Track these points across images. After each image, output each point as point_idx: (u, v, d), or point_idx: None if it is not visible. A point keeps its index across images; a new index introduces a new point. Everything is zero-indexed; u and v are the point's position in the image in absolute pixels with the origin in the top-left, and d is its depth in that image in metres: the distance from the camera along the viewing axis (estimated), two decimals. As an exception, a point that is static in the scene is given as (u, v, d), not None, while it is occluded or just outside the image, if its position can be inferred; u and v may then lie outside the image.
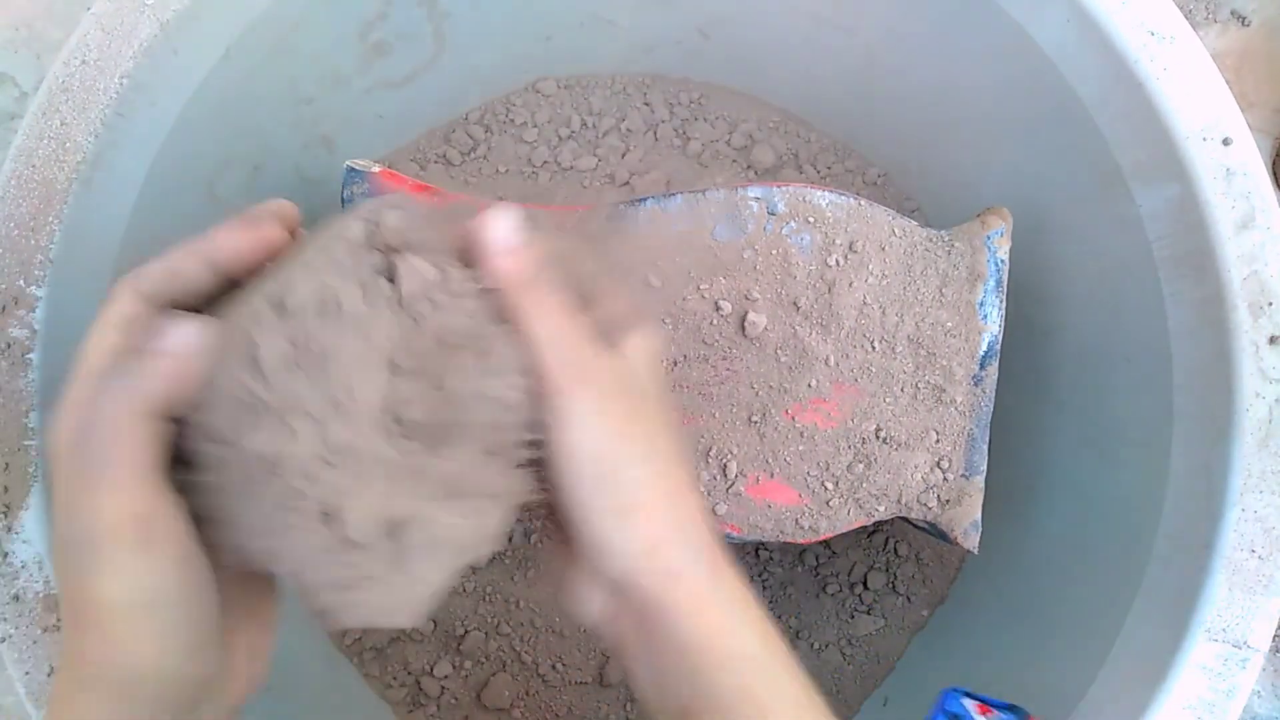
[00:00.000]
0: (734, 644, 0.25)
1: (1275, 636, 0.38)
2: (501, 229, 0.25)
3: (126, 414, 0.21)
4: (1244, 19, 0.67)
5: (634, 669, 0.26)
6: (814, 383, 0.42)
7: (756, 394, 0.42)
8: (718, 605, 0.25)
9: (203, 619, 0.23)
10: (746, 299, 0.41)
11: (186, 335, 0.22)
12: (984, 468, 0.43)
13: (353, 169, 0.42)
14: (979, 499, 0.43)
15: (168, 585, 0.22)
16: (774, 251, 0.41)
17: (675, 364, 0.42)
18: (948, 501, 0.42)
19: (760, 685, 0.25)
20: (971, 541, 0.42)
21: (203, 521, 0.23)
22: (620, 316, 0.27)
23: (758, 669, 0.26)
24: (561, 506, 0.25)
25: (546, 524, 0.28)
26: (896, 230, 0.43)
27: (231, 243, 0.24)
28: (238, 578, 0.25)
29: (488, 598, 0.53)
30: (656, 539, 0.25)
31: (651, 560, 0.25)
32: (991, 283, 0.43)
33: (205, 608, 0.23)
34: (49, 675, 0.35)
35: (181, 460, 0.23)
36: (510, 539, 0.54)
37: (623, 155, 0.58)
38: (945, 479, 0.42)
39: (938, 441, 0.42)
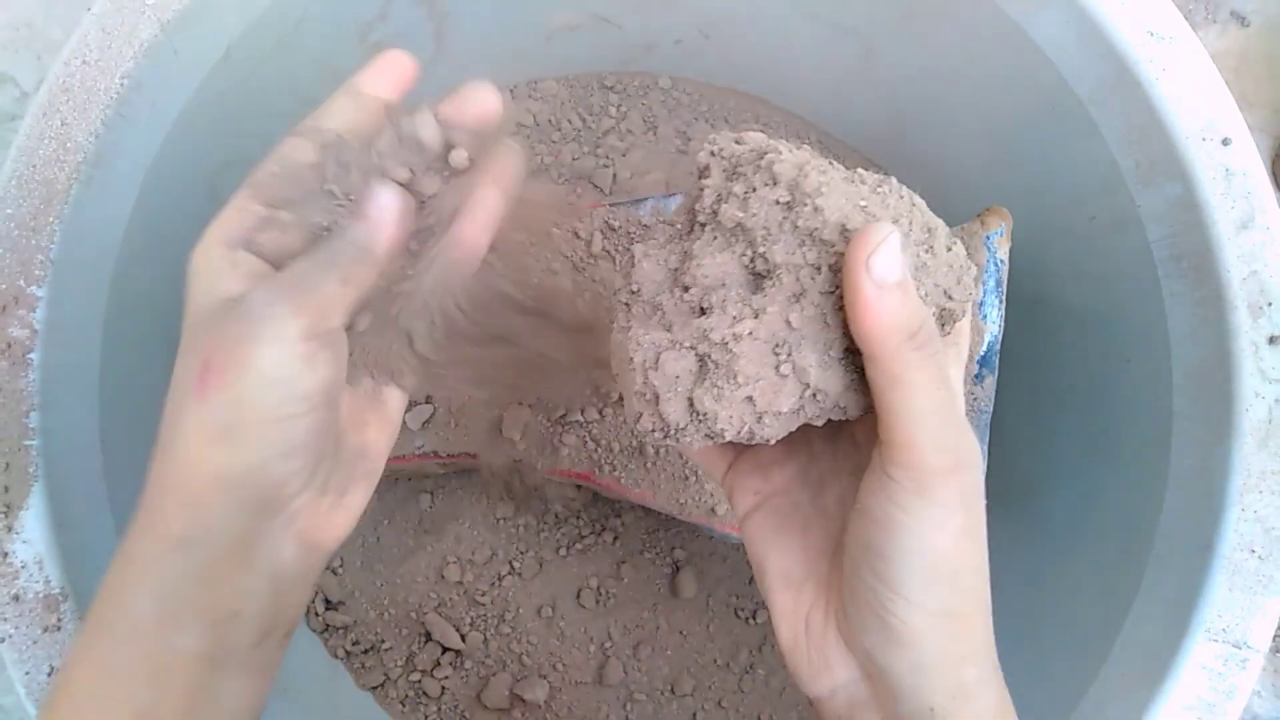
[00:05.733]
0: None
1: (1275, 637, 0.38)
2: (886, 255, 0.20)
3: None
4: (1243, 19, 0.67)
5: None
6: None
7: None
8: None
9: (323, 431, 0.24)
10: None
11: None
12: (984, 468, 0.43)
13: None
14: (979, 499, 0.42)
15: (315, 384, 0.23)
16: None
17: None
18: (948, 501, 0.42)
19: None
20: (971, 541, 0.42)
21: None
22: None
23: None
24: (846, 572, 0.23)
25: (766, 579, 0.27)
26: (896, 230, 0.43)
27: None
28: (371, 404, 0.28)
29: (488, 598, 0.53)
30: (968, 652, 0.23)
31: (955, 671, 0.23)
32: (991, 283, 0.43)
33: (327, 423, 0.24)
34: (49, 675, 0.35)
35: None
36: (509, 539, 0.54)
37: (623, 155, 0.58)
38: (945, 479, 0.42)
39: (938, 441, 0.42)
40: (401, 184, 0.25)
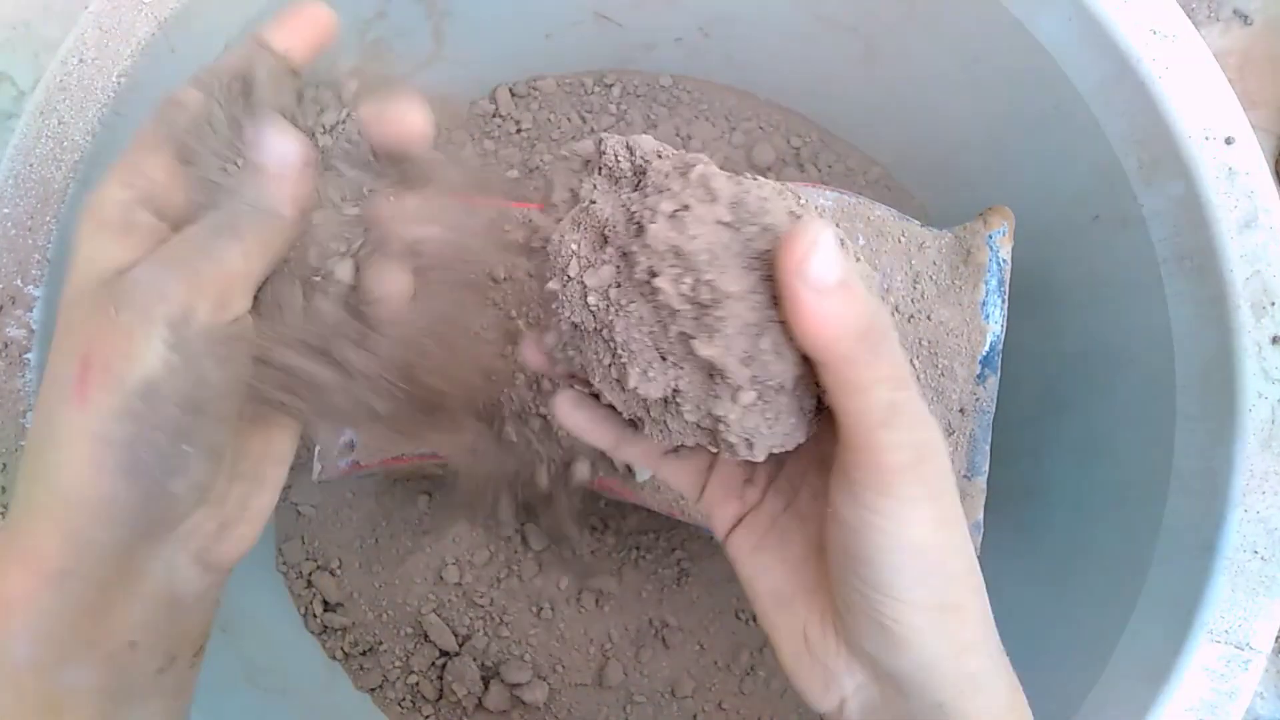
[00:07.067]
0: None
1: (1278, 638, 0.38)
2: (821, 257, 0.19)
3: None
4: (1246, 18, 0.67)
5: None
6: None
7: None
8: None
9: (222, 440, 0.21)
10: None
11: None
12: (986, 469, 0.43)
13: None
14: (981, 500, 0.42)
15: (215, 386, 0.20)
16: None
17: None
18: (949, 502, 0.42)
19: None
20: (974, 543, 0.42)
21: None
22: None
23: None
24: (834, 579, 0.23)
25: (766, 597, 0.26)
26: (898, 229, 0.43)
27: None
28: (261, 420, 0.24)
29: (487, 599, 0.53)
30: (969, 641, 0.22)
31: (958, 663, 0.22)
32: (994, 282, 0.43)
33: (228, 430, 0.21)
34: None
35: None
36: (508, 540, 0.54)
37: (623, 154, 0.58)
38: (947, 479, 0.42)
39: (939, 442, 0.42)
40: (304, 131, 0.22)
